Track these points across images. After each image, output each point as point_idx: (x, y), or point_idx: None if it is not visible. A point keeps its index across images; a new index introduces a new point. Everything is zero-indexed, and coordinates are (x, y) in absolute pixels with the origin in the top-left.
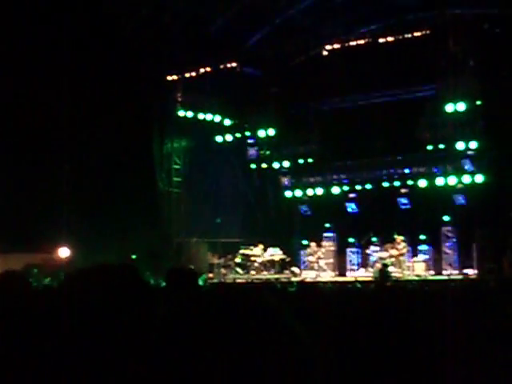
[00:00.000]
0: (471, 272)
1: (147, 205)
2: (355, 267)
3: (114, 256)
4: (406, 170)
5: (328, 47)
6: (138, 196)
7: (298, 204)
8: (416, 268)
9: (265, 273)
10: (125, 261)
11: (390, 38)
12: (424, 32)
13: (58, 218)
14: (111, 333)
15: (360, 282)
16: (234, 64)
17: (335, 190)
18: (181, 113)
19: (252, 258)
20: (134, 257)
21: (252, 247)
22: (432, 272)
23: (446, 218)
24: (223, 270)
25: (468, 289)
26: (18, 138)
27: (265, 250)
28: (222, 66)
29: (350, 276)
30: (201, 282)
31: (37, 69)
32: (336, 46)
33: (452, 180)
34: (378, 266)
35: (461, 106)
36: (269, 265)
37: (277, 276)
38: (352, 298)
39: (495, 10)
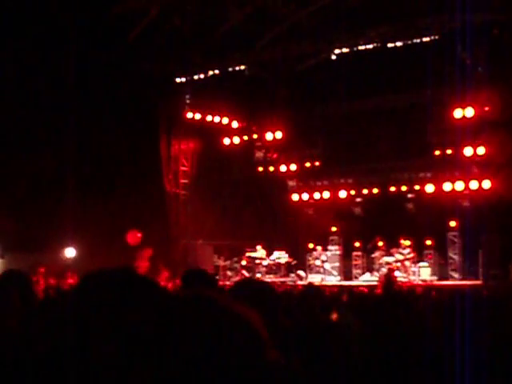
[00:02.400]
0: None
1: (154, 206)
2: (360, 271)
3: (120, 256)
4: (413, 175)
5: (337, 51)
6: (145, 197)
7: (304, 207)
8: (421, 273)
9: (271, 276)
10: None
11: (398, 43)
12: (433, 37)
13: (64, 218)
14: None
15: (366, 286)
16: (242, 67)
17: (342, 193)
18: (189, 115)
19: (258, 261)
20: None
21: (259, 248)
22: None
23: (452, 224)
24: (229, 273)
25: (475, 296)
26: (25, 137)
27: (270, 252)
28: (230, 69)
29: (355, 280)
30: None
31: (44, 69)
32: (344, 50)
33: (459, 185)
34: (384, 270)
35: (469, 112)
36: (274, 268)
37: (282, 279)
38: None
39: (504, 16)
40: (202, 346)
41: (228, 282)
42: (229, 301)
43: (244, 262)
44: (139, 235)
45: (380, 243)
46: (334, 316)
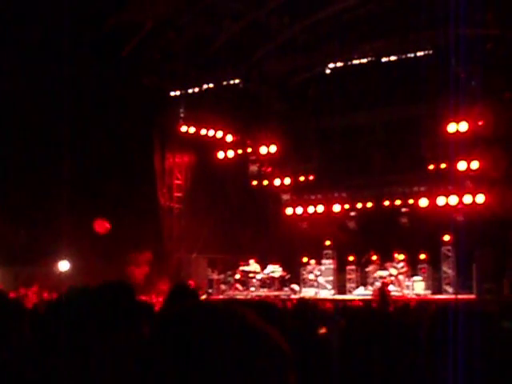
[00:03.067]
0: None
1: (148, 220)
2: (354, 285)
3: (114, 270)
4: (407, 189)
5: (331, 65)
6: (139, 211)
7: (298, 221)
8: (415, 287)
9: (264, 290)
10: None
11: (392, 57)
12: (427, 52)
13: (58, 231)
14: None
15: (360, 300)
16: (236, 80)
17: (336, 207)
18: (183, 128)
19: (251, 275)
20: None
21: (252, 262)
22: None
23: (446, 238)
24: (223, 286)
25: (468, 311)
26: (19, 150)
27: (264, 266)
28: (224, 83)
29: (349, 294)
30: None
31: (38, 83)
32: (339, 64)
33: (453, 200)
34: (378, 284)
35: (463, 126)
36: (268, 282)
37: (276, 293)
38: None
39: (498, 31)
40: (220, 367)
41: (221, 296)
42: (255, 317)
43: (238, 276)
44: (107, 225)
45: (374, 257)
46: (323, 330)
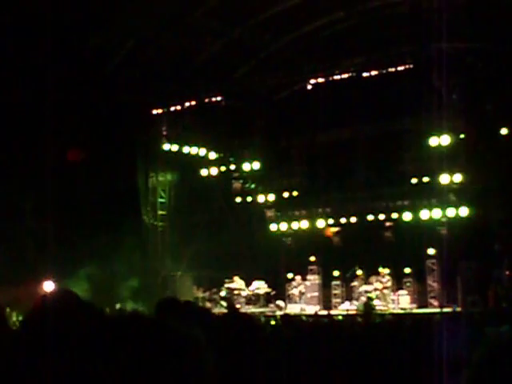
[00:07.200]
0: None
1: (132, 238)
2: (340, 300)
3: (100, 290)
4: (391, 204)
5: (312, 81)
6: (123, 230)
7: (282, 237)
8: (401, 301)
9: (250, 306)
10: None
11: (373, 72)
12: (408, 66)
13: (43, 251)
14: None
15: (345, 315)
16: (218, 97)
17: (320, 223)
18: (166, 146)
19: (237, 292)
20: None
21: (236, 279)
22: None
23: (430, 251)
24: (208, 304)
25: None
26: (3, 168)
27: (249, 283)
28: (206, 100)
29: (334, 309)
30: None
31: (19, 103)
32: (320, 79)
33: (436, 213)
34: (363, 299)
35: (445, 140)
36: (254, 298)
37: (262, 310)
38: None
39: (478, 45)
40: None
41: None
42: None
43: (223, 293)
44: (81, 154)
45: (359, 272)
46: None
